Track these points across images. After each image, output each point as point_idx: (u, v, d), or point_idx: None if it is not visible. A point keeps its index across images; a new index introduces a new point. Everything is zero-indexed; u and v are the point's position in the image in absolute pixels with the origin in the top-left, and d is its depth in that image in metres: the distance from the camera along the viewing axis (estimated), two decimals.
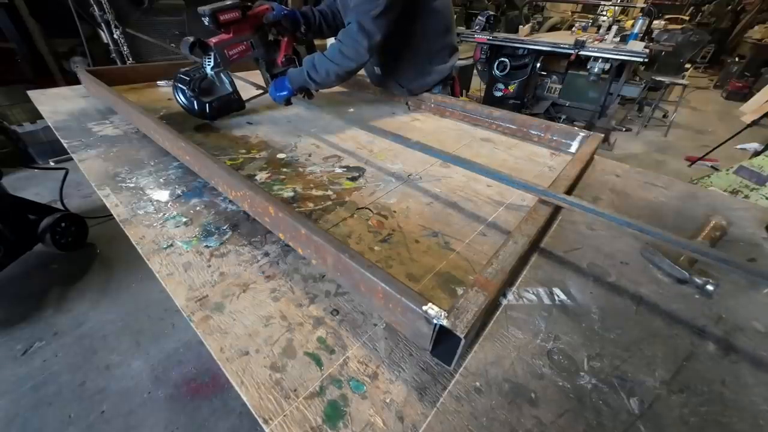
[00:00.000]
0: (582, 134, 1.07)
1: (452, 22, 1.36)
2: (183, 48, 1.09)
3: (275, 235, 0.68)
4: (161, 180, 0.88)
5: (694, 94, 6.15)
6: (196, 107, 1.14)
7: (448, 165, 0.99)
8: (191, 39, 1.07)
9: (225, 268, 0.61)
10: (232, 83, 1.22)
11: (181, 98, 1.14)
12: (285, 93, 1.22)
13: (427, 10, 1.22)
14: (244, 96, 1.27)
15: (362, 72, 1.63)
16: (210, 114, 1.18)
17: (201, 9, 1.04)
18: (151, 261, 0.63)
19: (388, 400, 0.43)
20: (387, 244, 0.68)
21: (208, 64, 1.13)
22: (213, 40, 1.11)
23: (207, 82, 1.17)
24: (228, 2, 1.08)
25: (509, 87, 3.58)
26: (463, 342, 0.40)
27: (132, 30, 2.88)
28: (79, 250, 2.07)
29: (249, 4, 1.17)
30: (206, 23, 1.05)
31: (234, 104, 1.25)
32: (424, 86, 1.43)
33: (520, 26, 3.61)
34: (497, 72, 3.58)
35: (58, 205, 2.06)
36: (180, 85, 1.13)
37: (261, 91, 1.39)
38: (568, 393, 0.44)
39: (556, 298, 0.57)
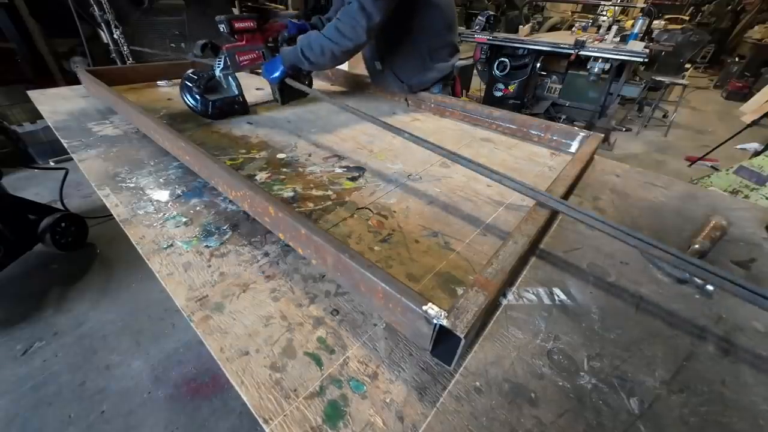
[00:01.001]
0: (582, 134, 1.07)
1: (454, 20, 1.36)
2: (195, 49, 1.16)
3: (275, 235, 0.68)
4: (161, 180, 0.88)
5: (694, 94, 6.15)
6: (199, 104, 1.17)
7: (448, 165, 0.99)
8: (204, 40, 1.15)
9: (225, 268, 0.61)
10: (239, 87, 1.24)
11: (187, 96, 1.17)
12: (278, 74, 1.22)
13: (427, 3, 1.23)
14: (250, 100, 1.29)
15: (362, 71, 1.63)
16: (212, 112, 1.20)
17: (219, 17, 1.11)
18: (151, 261, 0.63)
19: (388, 400, 0.43)
20: (387, 244, 0.68)
21: (218, 66, 1.17)
22: (226, 45, 1.16)
23: (214, 82, 1.21)
24: (245, 14, 1.16)
25: (509, 87, 3.58)
26: (463, 342, 0.40)
27: (135, 44, 2.90)
28: (79, 250, 2.07)
29: (265, 25, 1.24)
30: (222, 29, 1.12)
31: (238, 107, 1.27)
32: (424, 83, 1.43)
33: (520, 26, 3.61)
34: (497, 72, 3.58)
35: (58, 205, 2.06)
36: (187, 83, 1.17)
37: (269, 99, 1.41)
38: (568, 393, 0.44)
39: (556, 298, 0.57)
